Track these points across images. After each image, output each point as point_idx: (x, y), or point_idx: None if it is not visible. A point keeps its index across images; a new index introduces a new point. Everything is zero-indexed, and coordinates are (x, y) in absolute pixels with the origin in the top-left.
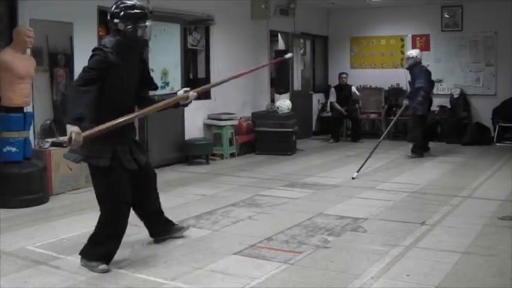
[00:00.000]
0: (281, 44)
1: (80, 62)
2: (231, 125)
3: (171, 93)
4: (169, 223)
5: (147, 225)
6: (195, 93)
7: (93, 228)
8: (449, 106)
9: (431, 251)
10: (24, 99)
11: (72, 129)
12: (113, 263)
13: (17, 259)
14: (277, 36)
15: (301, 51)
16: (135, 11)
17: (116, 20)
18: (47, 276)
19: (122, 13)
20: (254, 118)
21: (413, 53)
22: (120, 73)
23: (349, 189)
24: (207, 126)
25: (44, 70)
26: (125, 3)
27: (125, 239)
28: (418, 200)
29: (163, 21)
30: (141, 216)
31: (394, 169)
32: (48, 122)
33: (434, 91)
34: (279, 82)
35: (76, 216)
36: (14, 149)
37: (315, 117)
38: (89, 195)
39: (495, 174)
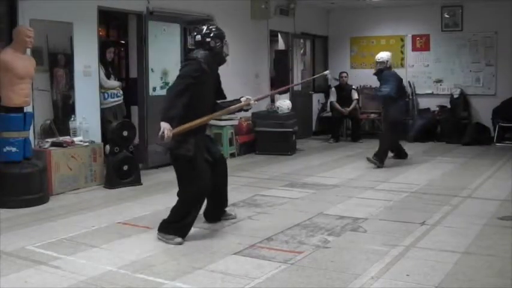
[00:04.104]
0: (281, 44)
1: (80, 62)
2: (231, 125)
3: (234, 100)
4: (224, 211)
5: (209, 208)
6: (256, 101)
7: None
8: (449, 106)
9: (431, 251)
10: (24, 99)
11: (164, 126)
12: (113, 263)
13: (17, 259)
14: (277, 36)
15: (301, 51)
16: (222, 32)
17: (207, 39)
18: (47, 276)
19: (213, 33)
20: (254, 118)
21: (384, 56)
22: (206, 81)
23: (349, 189)
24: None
25: (44, 70)
26: (214, 26)
27: (125, 239)
28: (418, 200)
29: (163, 21)
30: (209, 199)
31: (394, 169)
32: (48, 122)
33: (435, 91)
34: (279, 82)
35: (76, 216)
36: (14, 149)
37: (315, 117)
38: (89, 195)
39: (495, 174)
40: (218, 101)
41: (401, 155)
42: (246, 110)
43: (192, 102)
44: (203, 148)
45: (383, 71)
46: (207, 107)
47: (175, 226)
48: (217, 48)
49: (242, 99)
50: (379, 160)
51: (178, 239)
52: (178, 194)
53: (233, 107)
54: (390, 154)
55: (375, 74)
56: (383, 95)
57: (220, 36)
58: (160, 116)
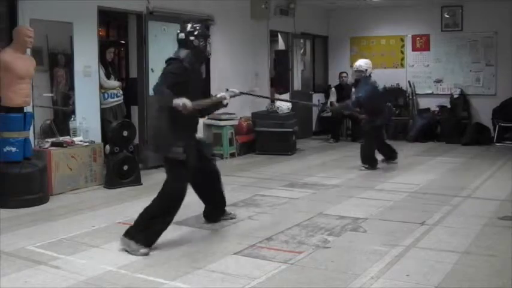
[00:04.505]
0: (281, 44)
1: (80, 62)
2: (231, 125)
3: (213, 97)
4: (224, 211)
5: (209, 208)
6: (229, 97)
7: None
8: (449, 106)
9: (431, 251)
10: (24, 99)
11: (180, 100)
12: (113, 263)
13: (17, 259)
14: (277, 36)
15: (301, 51)
16: (206, 30)
17: (191, 37)
18: (47, 276)
19: (197, 32)
20: (254, 118)
21: (363, 65)
22: (189, 81)
23: (349, 189)
24: (207, 126)
25: (44, 70)
26: (198, 24)
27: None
28: (418, 200)
29: (163, 21)
30: (205, 201)
31: (394, 169)
32: (48, 122)
33: (435, 91)
34: (279, 82)
35: (76, 216)
36: (14, 149)
37: (315, 117)
38: (89, 195)
39: (495, 174)
40: None
41: (391, 155)
42: (224, 106)
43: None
44: (193, 152)
45: (360, 80)
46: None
47: (145, 232)
48: (200, 47)
49: (218, 95)
50: (370, 166)
51: (144, 250)
52: (160, 191)
53: (208, 100)
54: (381, 158)
55: (353, 85)
56: (354, 102)
57: (204, 35)
58: (166, 101)
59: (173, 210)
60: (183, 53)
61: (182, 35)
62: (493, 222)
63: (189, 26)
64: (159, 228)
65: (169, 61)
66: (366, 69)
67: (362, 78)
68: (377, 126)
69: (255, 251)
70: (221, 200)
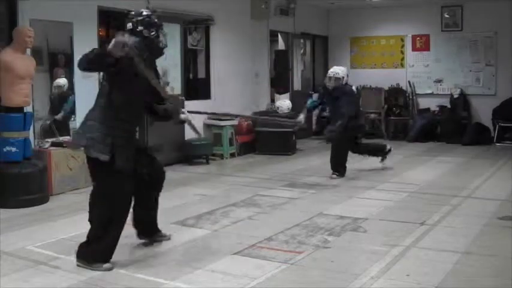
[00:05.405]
0: (281, 44)
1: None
2: (231, 125)
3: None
4: (157, 229)
5: (139, 224)
6: (190, 115)
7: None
8: (449, 106)
9: (431, 251)
10: (24, 99)
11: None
12: (113, 263)
13: (17, 259)
14: (277, 36)
15: (301, 51)
16: (156, 20)
17: (140, 27)
18: (47, 276)
19: (146, 21)
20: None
21: (339, 72)
22: (137, 75)
23: (349, 189)
24: (207, 126)
25: (44, 70)
26: (147, 12)
27: (125, 239)
28: (418, 200)
29: (163, 21)
30: (136, 215)
31: (394, 169)
32: (48, 122)
33: (435, 91)
34: (279, 82)
35: (76, 216)
36: (14, 149)
37: (314, 117)
38: (88, 195)
39: (495, 174)
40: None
41: (383, 152)
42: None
43: (121, 99)
44: (126, 156)
45: (338, 88)
46: (141, 100)
47: (98, 248)
48: (151, 37)
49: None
50: (340, 173)
51: (107, 265)
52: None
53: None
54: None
55: (329, 93)
56: (345, 120)
57: (155, 25)
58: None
59: (114, 229)
60: (132, 40)
61: (130, 25)
62: (493, 222)
63: (137, 14)
64: (112, 237)
65: None
66: (343, 77)
67: (340, 86)
68: (349, 133)
69: (255, 251)
70: (151, 221)
